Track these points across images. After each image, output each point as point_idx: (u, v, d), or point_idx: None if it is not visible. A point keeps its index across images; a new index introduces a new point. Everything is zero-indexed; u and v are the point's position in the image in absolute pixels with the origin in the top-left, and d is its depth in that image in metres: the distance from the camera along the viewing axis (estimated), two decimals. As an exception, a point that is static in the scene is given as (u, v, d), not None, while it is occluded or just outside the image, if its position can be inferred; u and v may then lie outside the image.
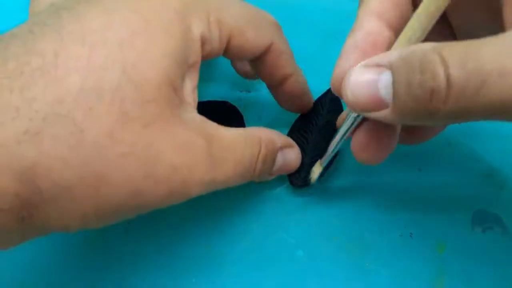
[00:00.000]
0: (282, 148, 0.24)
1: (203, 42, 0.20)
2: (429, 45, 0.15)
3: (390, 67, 0.16)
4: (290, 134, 0.27)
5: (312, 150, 0.26)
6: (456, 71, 0.14)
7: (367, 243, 0.25)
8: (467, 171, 0.27)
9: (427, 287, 0.24)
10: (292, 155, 0.24)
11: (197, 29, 0.19)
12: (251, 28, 0.22)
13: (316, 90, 0.28)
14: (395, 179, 0.27)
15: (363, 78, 0.17)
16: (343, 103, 0.27)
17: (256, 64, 0.24)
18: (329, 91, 0.28)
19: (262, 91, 0.30)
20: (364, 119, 0.21)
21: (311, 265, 0.25)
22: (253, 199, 0.27)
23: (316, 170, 0.25)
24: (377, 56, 0.17)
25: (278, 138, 0.23)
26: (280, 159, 0.23)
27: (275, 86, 0.25)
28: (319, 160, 0.25)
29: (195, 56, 0.19)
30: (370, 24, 0.19)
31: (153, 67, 0.17)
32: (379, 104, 0.17)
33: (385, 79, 0.16)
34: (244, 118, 0.28)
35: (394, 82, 0.16)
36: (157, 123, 0.17)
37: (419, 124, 0.22)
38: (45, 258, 0.25)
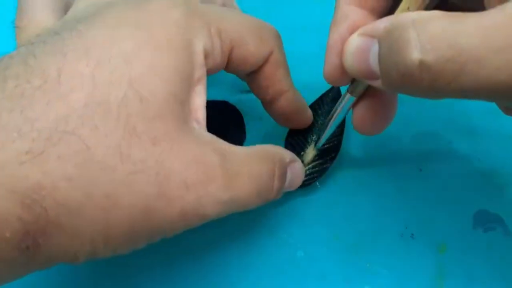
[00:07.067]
0: (289, 163, 0.23)
1: (206, 55, 0.19)
2: (411, 18, 0.15)
3: (378, 38, 0.16)
4: (290, 135, 0.27)
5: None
6: (430, 56, 0.14)
7: (367, 243, 0.25)
8: (468, 171, 0.27)
9: (428, 287, 0.24)
10: (298, 170, 0.24)
11: (199, 42, 0.19)
12: (253, 37, 0.21)
13: (317, 90, 0.28)
14: (395, 179, 0.27)
15: (356, 48, 0.17)
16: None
17: (253, 77, 0.23)
18: (329, 92, 0.28)
19: (262, 91, 0.30)
20: (361, 96, 0.21)
21: (312, 265, 0.25)
22: (253, 199, 0.26)
23: (310, 153, 0.25)
24: (371, 24, 0.17)
25: (286, 153, 0.23)
26: (288, 175, 0.23)
27: (270, 102, 0.24)
28: (313, 143, 0.25)
29: (200, 70, 0.19)
30: (353, 14, 0.19)
31: (158, 81, 0.17)
32: (371, 74, 0.17)
33: (374, 50, 0.16)
34: (244, 118, 0.28)
35: (379, 53, 0.16)
36: (167, 139, 0.16)
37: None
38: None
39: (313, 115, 0.27)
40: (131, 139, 0.16)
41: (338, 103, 0.22)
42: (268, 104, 0.24)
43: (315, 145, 0.25)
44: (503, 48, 0.13)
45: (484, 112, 0.29)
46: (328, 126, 0.23)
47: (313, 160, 0.26)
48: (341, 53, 0.19)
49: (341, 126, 0.26)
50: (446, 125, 0.29)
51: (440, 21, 0.14)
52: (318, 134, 0.26)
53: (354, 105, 0.21)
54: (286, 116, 0.25)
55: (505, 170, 0.27)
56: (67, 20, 0.18)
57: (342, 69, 0.19)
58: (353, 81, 0.21)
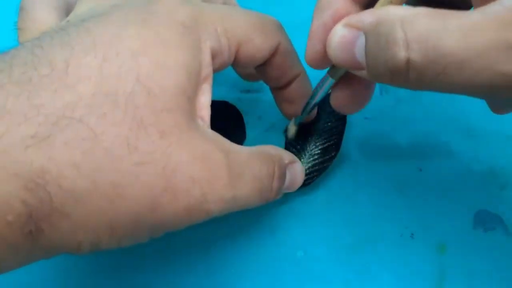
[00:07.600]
0: (288, 164, 0.23)
1: (214, 55, 0.19)
2: (399, 15, 0.15)
3: (364, 31, 0.16)
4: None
5: (312, 150, 0.26)
6: (416, 55, 0.14)
7: (367, 243, 0.25)
8: (468, 171, 0.27)
9: (428, 287, 0.24)
10: (297, 170, 0.24)
11: (206, 43, 0.19)
12: (258, 33, 0.21)
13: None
14: (395, 179, 0.27)
15: (341, 39, 0.17)
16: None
17: (263, 69, 0.23)
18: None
19: (262, 91, 0.30)
20: (340, 78, 0.21)
21: (312, 265, 0.25)
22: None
23: (292, 128, 0.25)
24: (356, 16, 0.17)
25: (285, 154, 0.23)
26: (288, 175, 0.23)
27: (282, 88, 0.24)
28: (293, 118, 0.25)
29: (206, 69, 0.19)
30: (336, 1, 0.19)
31: (168, 76, 0.17)
32: (357, 65, 0.17)
33: (360, 42, 0.17)
34: (244, 118, 0.28)
35: (366, 47, 0.16)
36: (174, 133, 0.16)
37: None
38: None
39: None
40: (138, 131, 0.16)
41: (318, 84, 0.22)
42: (279, 90, 0.25)
43: (296, 122, 0.25)
44: (483, 51, 0.13)
45: (484, 112, 0.29)
46: (308, 106, 0.24)
47: (311, 159, 0.26)
48: (323, 40, 0.19)
49: (342, 126, 0.26)
50: (446, 125, 0.29)
51: (425, 20, 0.14)
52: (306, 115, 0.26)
53: (334, 86, 0.22)
54: (297, 99, 0.25)
55: (505, 170, 0.27)
56: (71, 20, 0.18)
57: (323, 55, 0.20)
58: (334, 65, 0.21)
